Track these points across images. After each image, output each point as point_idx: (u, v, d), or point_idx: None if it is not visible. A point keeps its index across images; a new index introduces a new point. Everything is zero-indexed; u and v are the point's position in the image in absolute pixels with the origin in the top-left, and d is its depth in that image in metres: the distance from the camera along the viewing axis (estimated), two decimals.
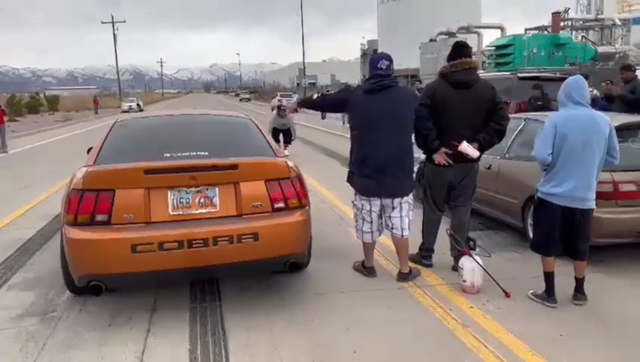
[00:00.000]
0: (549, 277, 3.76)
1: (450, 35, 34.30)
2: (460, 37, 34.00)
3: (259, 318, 3.61)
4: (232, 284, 4.19)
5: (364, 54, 57.39)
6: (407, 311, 3.68)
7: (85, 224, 3.32)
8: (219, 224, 3.43)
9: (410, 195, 4.22)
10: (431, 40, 34.87)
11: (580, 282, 3.78)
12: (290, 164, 3.86)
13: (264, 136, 4.35)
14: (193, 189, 3.50)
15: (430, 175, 4.39)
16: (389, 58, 4.16)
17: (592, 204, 3.65)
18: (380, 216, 4.21)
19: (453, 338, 3.30)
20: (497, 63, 29.59)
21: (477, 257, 3.96)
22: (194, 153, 3.73)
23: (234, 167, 3.54)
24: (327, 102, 4.96)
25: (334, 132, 18.69)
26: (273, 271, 4.07)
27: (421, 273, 4.36)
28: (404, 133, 4.11)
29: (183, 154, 3.70)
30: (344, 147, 10.71)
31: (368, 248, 4.35)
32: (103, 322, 3.59)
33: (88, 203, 3.34)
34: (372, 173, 4.06)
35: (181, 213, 3.46)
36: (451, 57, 4.18)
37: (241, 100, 72.68)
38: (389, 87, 4.08)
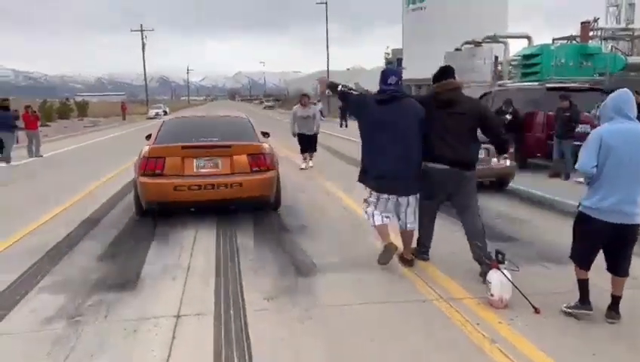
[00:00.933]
0: (583, 284, 3.67)
1: (476, 44, 34.06)
2: (486, 46, 33.77)
3: (283, 329, 3.58)
4: (256, 293, 4.18)
5: (388, 63, 57.26)
6: (434, 325, 3.62)
7: (149, 175, 6.09)
8: (220, 177, 6.15)
9: (417, 194, 4.75)
10: (456, 49, 34.67)
11: (616, 299, 3.66)
12: (265, 146, 6.63)
13: (253, 129, 7.12)
14: (207, 158, 6.26)
15: (425, 179, 4.69)
16: (397, 74, 4.79)
17: (638, 219, 3.54)
18: (393, 207, 4.75)
19: (481, 354, 3.22)
20: (524, 73, 29.24)
21: (505, 271, 3.87)
22: (209, 138, 6.49)
23: (229, 146, 6.32)
24: (352, 101, 5.13)
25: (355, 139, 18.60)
26: (255, 208, 6.84)
27: (447, 286, 4.29)
28: (410, 140, 4.57)
29: (202, 138, 6.46)
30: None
31: (382, 230, 4.77)
32: (129, 328, 3.61)
33: (151, 164, 6.14)
34: (381, 175, 4.62)
35: (200, 171, 6.22)
36: (438, 78, 4.72)
37: (264, 108, 73.27)
38: (397, 99, 4.60)
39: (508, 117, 10.50)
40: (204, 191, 6.11)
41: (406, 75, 48.32)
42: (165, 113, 46.00)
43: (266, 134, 7.77)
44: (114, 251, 5.47)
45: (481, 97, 12.94)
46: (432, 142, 4.59)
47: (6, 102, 14.49)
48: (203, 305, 3.97)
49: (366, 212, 4.85)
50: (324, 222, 6.50)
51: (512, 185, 8.69)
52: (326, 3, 42.69)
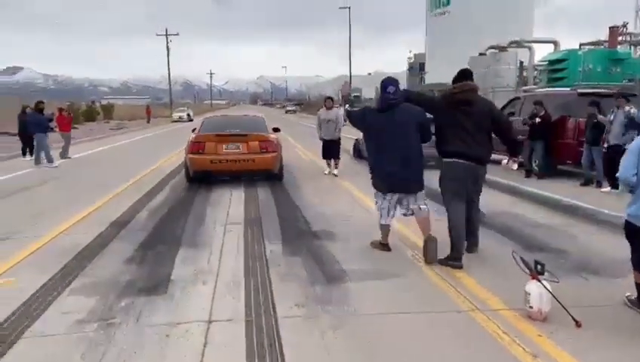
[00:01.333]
0: None
1: (501, 49, 33.62)
2: (511, 51, 33.30)
3: (316, 337, 3.51)
4: (287, 300, 4.12)
5: (410, 68, 56.97)
6: (470, 337, 3.50)
7: (195, 153, 8.99)
8: (240, 155, 9.01)
9: (423, 191, 5.23)
10: (480, 54, 34.24)
11: None
12: (272, 136, 9.68)
13: (265, 125, 10.32)
14: (232, 143, 9.10)
15: (447, 174, 5.03)
16: (395, 83, 5.16)
17: None
18: (394, 207, 5.24)
19: None
20: (550, 78, 28.74)
21: (545, 282, 3.74)
22: (235, 130, 9.49)
23: (246, 135, 9.19)
24: (353, 117, 5.66)
25: None
26: (266, 176, 9.81)
27: (482, 297, 4.16)
28: (410, 142, 5.04)
29: (230, 130, 9.46)
30: None
31: (386, 229, 5.42)
32: (161, 332, 3.58)
33: (195, 146, 9.08)
34: (386, 175, 5.13)
35: (227, 151, 9.05)
36: (457, 80, 5.11)
37: (287, 112, 73.41)
38: (395, 106, 5.05)
39: (537, 120, 10.31)
40: (230, 164, 9.35)
41: (429, 79, 48.16)
42: (189, 116, 46.53)
43: (276, 129, 10.56)
44: (143, 254, 5.47)
45: (511, 102, 12.73)
46: (449, 139, 4.95)
47: (41, 104, 14.72)
48: (234, 310, 3.92)
49: (380, 210, 5.33)
50: (351, 228, 6.42)
51: (544, 192, 8.51)
52: (349, 8, 42.67)
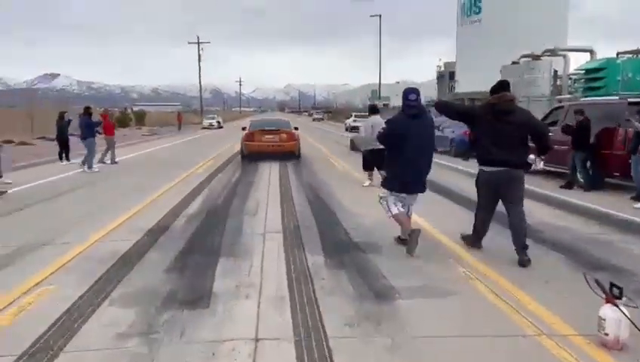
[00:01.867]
0: None
1: (535, 57, 32.85)
2: (545, 60, 32.51)
3: (371, 360, 3.24)
4: (336, 318, 3.86)
5: (440, 76, 56.29)
6: None
7: (248, 141, 15.36)
8: (275, 143, 15.21)
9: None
10: (513, 62, 33.49)
11: None
12: (294, 131, 16.08)
13: (290, 124, 16.81)
14: (269, 135, 15.44)
15: (483, 180, 5.42)
16: (416, 92, 5.60)
17: None
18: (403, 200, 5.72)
19: None
20: (587, 88, 27.88)
21: (622, 307, 3.40)
22: (271, 127, 15.96)
23: (278, 130, 15.73)
24: (387, 142, 5.88)
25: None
26: (289, 157, 15.42)
27: (546, 319, 3.83)
28: (430, 149, 5.70)
29: (267, 127, 15.98)
30: (454, 181, 10.08)
31: (401, 218, 5.73)
32: (207, 350, 3.36)
33: (249, 136, 15.49)
34: (409, 180, 5.57)
35: (267, 139, 15.34)
36: (496, 90, 5.35)
37: (314, 120, 73.37)
38: (423, 114, 5.60)
39: (567, 124, 10.00)
40: (268, 147, 15.04)
41: (459, 88, 47.40)
42: (219, 123, 46.98)
43: (296, 128, 16.73)
44: (182, 263, 5.29)
45: (553, 111, 12.26)
46: (487, 147, 5.26)
47: (90, 109, 14.91)
48: (281, 329, 3.68)
49: (387, 206, 5.72)
50: (393, 239, 6.13)
51: (597, 207, 8.07)
52: (379, 16, 42.44)
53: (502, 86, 5.39)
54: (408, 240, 5.50)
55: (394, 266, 5.12)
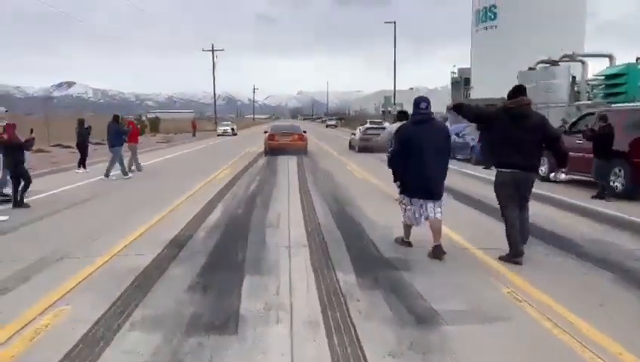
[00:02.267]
0: None
1: (553, 63, 32.29)
2: (563, 65, 31.93)
3: None
4: (377, 347, 3.49)
5: (455, 82, 55.85)
6: None
7: (270, 140, 21.35)
8: (289, 142, 21.10)
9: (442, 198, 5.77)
10: (530, 68, 32.94)
11: None
12: (304, 134, 21.89)
13: (301, 128, 23.10)
14: (284, 136, 21.54)
15: (503, 182, 5.54)
16: (427, 100, 5.76)
17: None
18: (419, 211, 5.76)
19: None
20: (607, 94, 27.32)
21: None
22: (286, 130, 22.56)
23: (292, 133, 21.78)
24: (399, 149, 5.90)
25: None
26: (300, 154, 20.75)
27: (614, 352, 3.44)
28: (441, 153, 5.71)
29: (283, 130, 22.52)
30: (483, 192, 9.64)
31: (409, 229, 6.07)
32: None
33: (270, 137, 21.47)
34: (419, 184, 5.66)
35: (282, 139, 21.27)
36: (512, 96, 5.49)
37: (327, 127, 73.13)
38: (429, 120, 5.74)
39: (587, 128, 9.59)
40: (284, 145, 20.62)
41: (474, 94, 46.88)
42: (233, 130, 47.04)
43: (305, 131, 22.01)
44: (205, 281, 4.97)
45: (583, 117, 11.81)
46: (504, 150, 5.43)
47: (119, 117, 14.79)
48: (318, 358, 3.34)
49: (407, 213, 5.90)
50: (426, 255, 5.76)
51: (633, 218, 7.61)
52: (394, 23, 42.14)
53: (519, 90, 5.50)
54: (431, 255, 5.68)
55: (431, 286, 4.75)
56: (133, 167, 15.08)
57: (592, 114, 11.44)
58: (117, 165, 13.88)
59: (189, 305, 4.32)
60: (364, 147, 22.64)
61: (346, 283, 4.86)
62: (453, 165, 13.81)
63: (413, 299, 4.43)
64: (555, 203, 9.39)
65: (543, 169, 12.06)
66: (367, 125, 39.78)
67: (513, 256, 5.42)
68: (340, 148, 25.82)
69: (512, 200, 5.52)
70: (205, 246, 6.28)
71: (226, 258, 5.79)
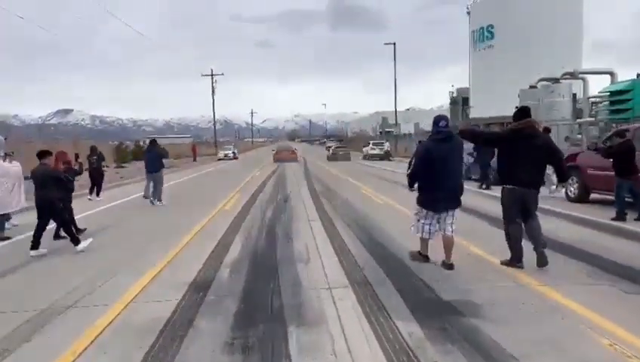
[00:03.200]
0: None
1: (554, 80, 31.96)
2: (564, 83, 31.59)
3: None
4: None
5: (453, 102, 55.67)
6: None
7: (276, 155, 39.74)
8: (287, 155, 38.47)
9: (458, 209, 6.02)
10: (531, 86, 32.57)
11: None
12: (297, 151, 43.59)
13: (294, 147, 46.16)
14: (284, 152, 39.46)
15: (509, 198, 5.88)
16: (446, 118, 5.99)
17: None
18: (435, 223, 6.01)
19: None
20: (612, 111, 26.81)
21: None
22: (286, 149, 41.64)
23: (290, 150, 40.68)
24: (418, 167, 6.02)
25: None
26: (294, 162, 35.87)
27: None
28: (458, 169, 6.10)
29: (284, 149, 41.39)
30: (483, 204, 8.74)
31: (426, 242, 6.20)
32: None
33: (275, 153, 40.16)
34: (439, 197, 5.86)
35: (283, 154, 39.11)
36: (519, 117, 5.83)
37: (327, 149, 72.45)
38: (450, 138, 5.87)
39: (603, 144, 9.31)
40: (284, 157, 36.97)
41: (474, 113, 46.57)
42: (234, 154, 47.30)
43: (296, 149, 42.58)
44: (243, 336, 4.14)
45: (615, 134, 11.11)
46: (511, 168, 5.76)
47: (156, 142, 14.32)
48: None
49: (418, 226, 6.13)
50: (496, 295, 4.98)
51: None
52: (394, 44, 41.96)
53: (525, 112, 5.86)
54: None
55: (515, 337, 3.93)
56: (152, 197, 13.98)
57: (626, 130, 10.75)
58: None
59: None
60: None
61: (411, 335, 4.04)
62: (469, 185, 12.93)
63: (496, 354, 3.62)
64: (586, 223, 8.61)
65: (572, 189, 11.41)
66: (370, 146, 39.60)
67: (516, 260, 5.89)
68: (367, 178, 25.05)
69: (516, 215, 5.84)
70: (232, 289, 5.46)
71: (259, 304, 4.96)
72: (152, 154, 13.76)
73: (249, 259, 6.83)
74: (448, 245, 5.96)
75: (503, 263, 5.97)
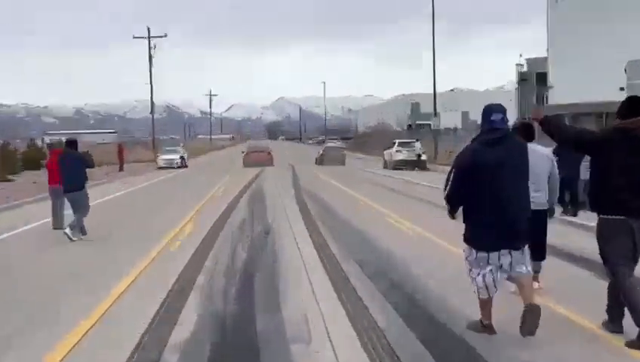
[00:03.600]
0: None
1: None
2: None
3: None
4: None
5: (522, 79, 56.20)
6: None
7: (246, 156, 60.60)
8: (260, 157, 59.70)
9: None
10: None
11: None
12: (270, 151, 62.04)
13: (269, 147, 66.31)
14: (257, 154, 61.80)
15: (610, 234, 5.82)
16: (502, 110, 6.01)
17: None
18: (498, 270, 5.96)
19: None
20: None
21: None
22: (258, 149, 64.53)
23: (263, 150, 63.32)
24: (462, 172, 6.06)
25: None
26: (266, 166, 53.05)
27: None
28: (525, 184, 6.04)
29: (255, 150, 63.55)
30: None
31: (489, 303, 6.08)
32: None
33: (246, 155, 60.06)
34: (492, 230, 5.81)
35: (256, 155, 60.45)
36: (627, 113, 5.77)
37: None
38: (507, 138, 5.98)
39: None
40: (257, 160, 55.06)
41: (555, 97, 46.72)
42: (183, 160, 48.69)
43: (271, 150, 60.57)
44: None
45: None
46: (614, 187, 5.68)
47: (75, 141, 14.40)
48: None
49: (477, 279, 5.99)
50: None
51: None
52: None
53: (635, 104, 5.83)
54: (522, 320, 5.82)
55: None
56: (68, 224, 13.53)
57: None
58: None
59: None
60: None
61: None
62: None
63: None
64: None
65: None
66: (396, 148, 39.72)
67: (616, 327, 5.95)
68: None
69: (626, 258, 5.74)
70: None
71: None
72: (70, 163, 13.39)
73: (210, 349, 6.36)
74: (526, 285, 6.05)
75: (604, 324, 6.12)
